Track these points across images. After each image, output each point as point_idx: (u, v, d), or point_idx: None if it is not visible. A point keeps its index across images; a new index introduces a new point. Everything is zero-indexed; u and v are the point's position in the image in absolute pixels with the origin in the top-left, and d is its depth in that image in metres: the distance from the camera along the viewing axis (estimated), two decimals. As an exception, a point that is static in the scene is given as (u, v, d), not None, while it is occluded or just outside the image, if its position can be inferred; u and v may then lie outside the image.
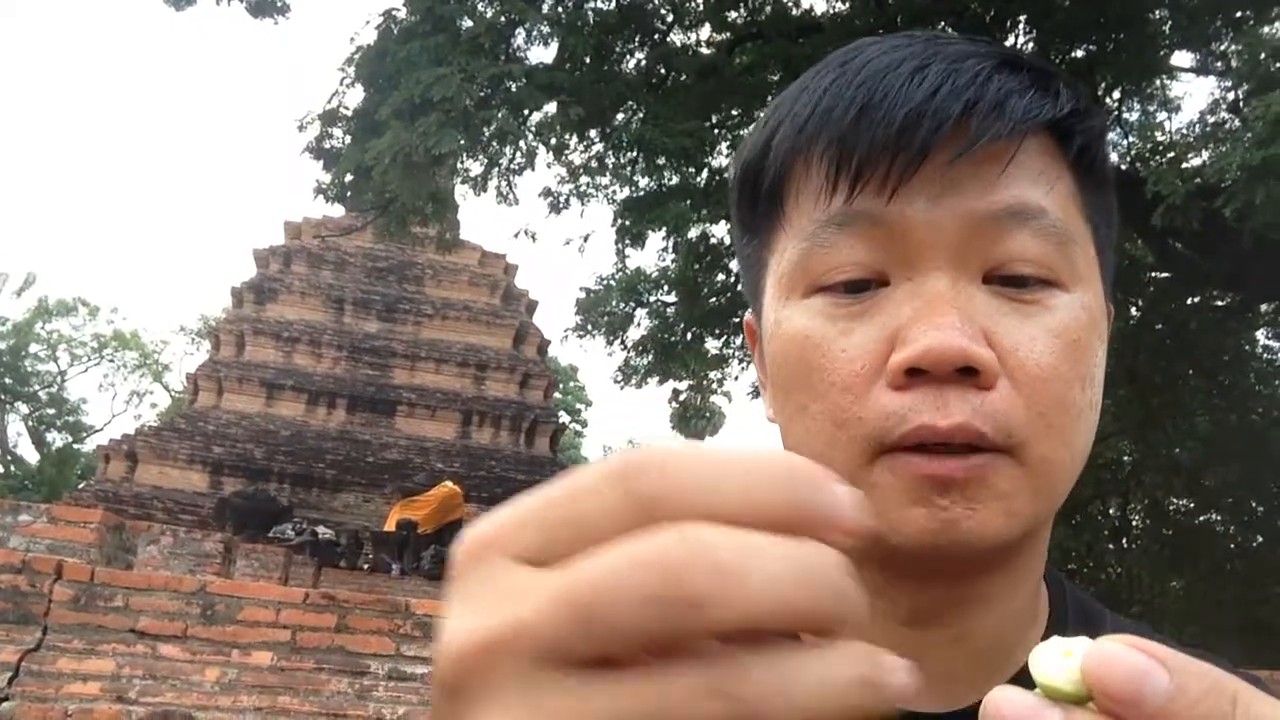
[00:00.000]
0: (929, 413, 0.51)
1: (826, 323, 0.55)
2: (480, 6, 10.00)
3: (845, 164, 0.54)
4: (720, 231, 12.84)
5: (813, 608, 0.25)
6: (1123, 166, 11.79)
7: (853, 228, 0.54)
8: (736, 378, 15.35)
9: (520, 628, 0.24)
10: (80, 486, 22.03)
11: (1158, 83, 12.06)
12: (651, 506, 0.25)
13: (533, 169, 10.92)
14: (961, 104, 0.52)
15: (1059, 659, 0.30)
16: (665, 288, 13.68)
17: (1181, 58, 11.25)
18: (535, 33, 10.36)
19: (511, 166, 10.72)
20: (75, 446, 36.45)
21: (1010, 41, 10.88)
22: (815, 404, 0.55)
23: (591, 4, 10.77)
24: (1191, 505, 15.38)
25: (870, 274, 0.54)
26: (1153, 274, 12.88)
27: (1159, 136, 12.54)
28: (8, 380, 34.87)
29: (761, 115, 0.62)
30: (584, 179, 12.09)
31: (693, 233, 12.52)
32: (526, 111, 9.95)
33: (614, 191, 12.36)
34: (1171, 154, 10.26)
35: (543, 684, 0.24)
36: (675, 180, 11.55)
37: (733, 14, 11.51)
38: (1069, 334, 0.54)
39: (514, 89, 9.49)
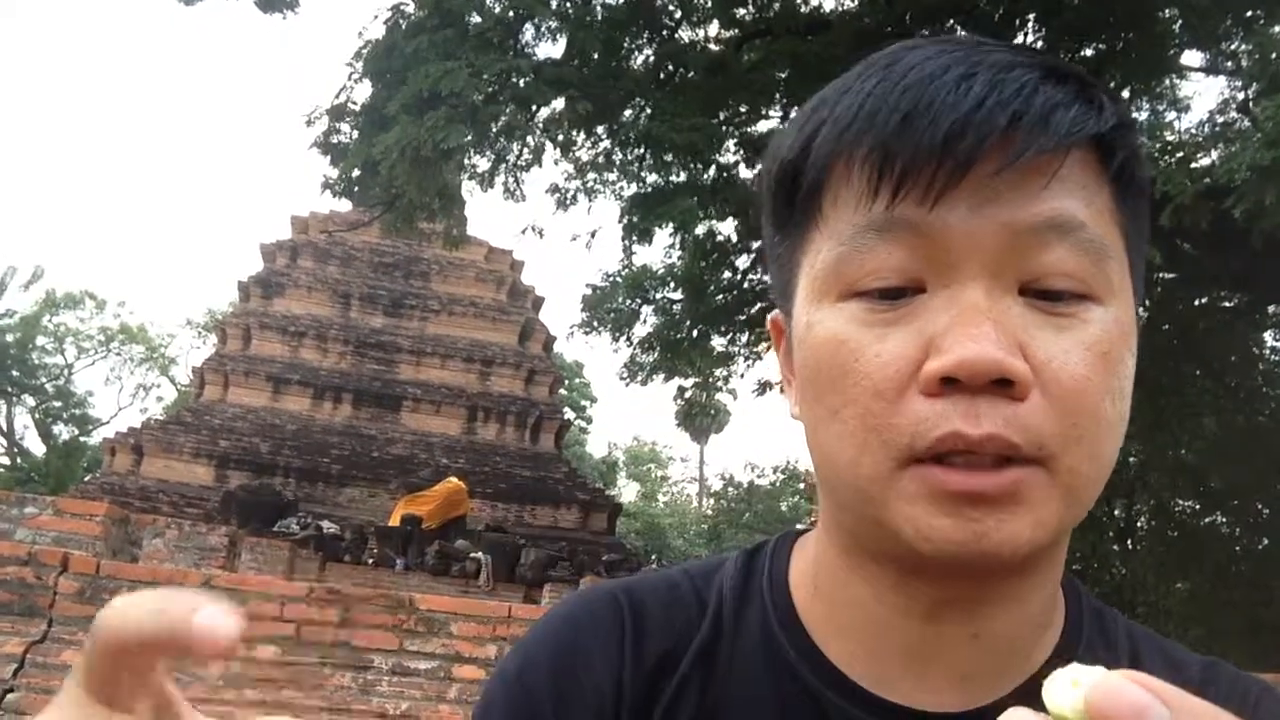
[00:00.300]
0: (961, 421, 0.52)
1: (862, 328, 0.55)
2: (488, 1, 9.99)
3: (889, 170, 0.54)
4: (727, 228, 12.83)
5: None
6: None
7: (892, 234, 0.54)
8: (742, 375, 15.36)
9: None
10: (86, 479, 22.10)
11: (1167, 82, 12.01)
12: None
13: (540, 165, 10.91)
14: (1008, 115, 0.52)
15: (1068, 689, 0.32)
16: (672, 284, 13.66)
17: (1191, 57, 11.22)
18: (544, 28, 10.35)
19: (519, 162, 10.71)
20: (81, 439, 36.55)
21: (1019, 40, 10.85)
22: (847, 408, 0.55)
23: None
24: (1197, 507, 15.34)
25: (907, 281, 0.55)
26: (1160, 274, 12.83)
27: (1168, 136, 12.47)
28: (15, 373, 34.96)
29: (797, 113, 0.62)
30: (591, 175, 12.07)
31: (700, 229, 12.50)
32: (534, 107, 9.95)
33: (621, 188, 12.34)
34: (1180, 154, 10.20)
35: None
36: (682, 177, 11.53)
37: (741, 10, 11.49)
38: (1101, 347, 0.54)
39: (522, 84, 9.49)
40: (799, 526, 0.74)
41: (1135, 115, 12.09)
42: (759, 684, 0.63)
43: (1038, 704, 0.59)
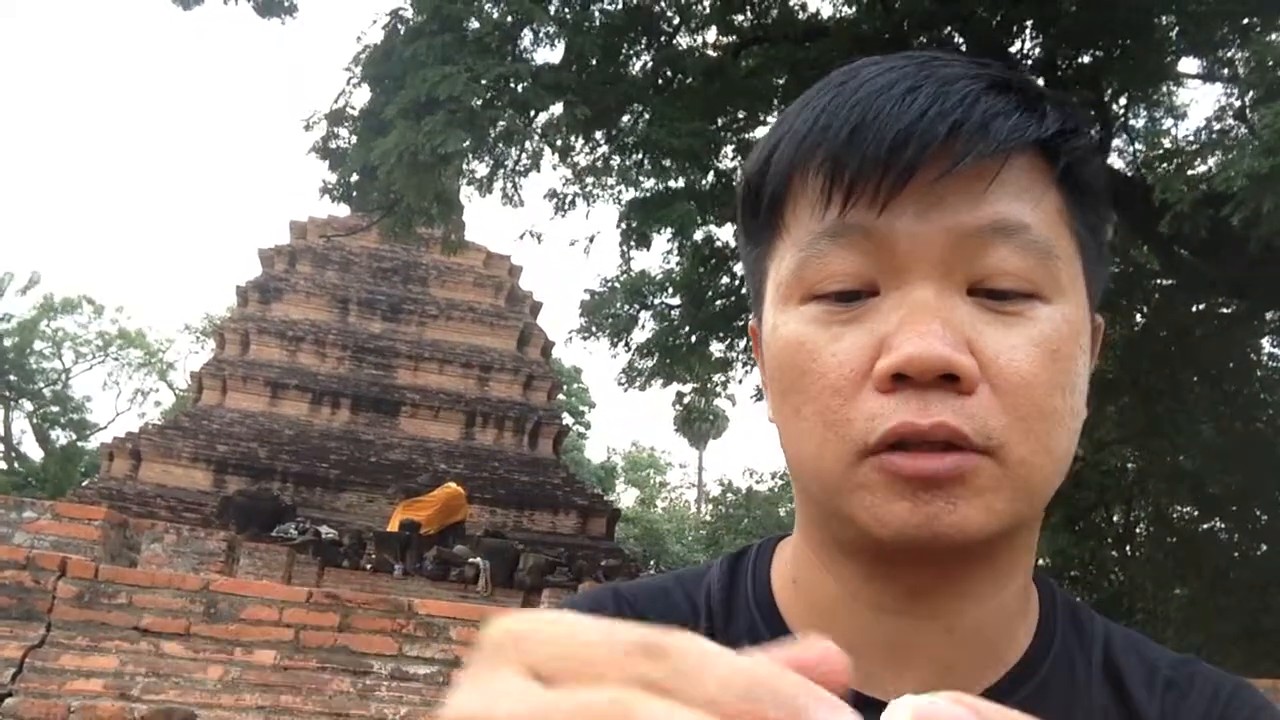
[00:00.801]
0: (911, 413, 0.54)
1: (819, 329, 0.58)
2: (487, 6, 10.00)
3: (839, 179, 0.57)
4: (725, 234, 12.84)
5: None
6: (1129, 173, 11.77)
7: (845, 239, 0.57)
8: (740, 381, 15.34)
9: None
10: (84, 484, 22.07)
11: (1164, 89, 12.04)
12: (651, 685, 0.27)
13: (538, 170, 10.92)
14: (948, 125, 0.55)
15: (905, 714, 0.31)
16: (670, 290, 13.67)
17: (1188, 64, 11.24)
18: (542, 33, 10.36)
19: (517, 167, 10.72)
20: (79, 444, 36.50)
21: (1016, 47, 10.87)
22: (807, 406, 0.58)
23: (598, 5, 10.78)
24: (1195, 513, 15.34)
25: (861, 284, 0.57)
26: (1158, 281, 12.86)
27: (1165, 143, 12.51)
28: (12, 377, 34.93)
29: (769, 126, 0.66)
30: (589, 180, 12.08)
31: (698, 235, 12.53)
32: (533, 112, 9.96)
33: (619, 193, 12.36)
34: (1178, 161, 10.24)
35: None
36: (681, 182, 11.55)
37: (739, 17, 11.51)
38: (1049, 344, 0.57)
39: (520, 89, 9.50)
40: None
41: (1132, 121, 12.10)
42: None
43: (1014, 701, 0.60)
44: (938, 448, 0.54)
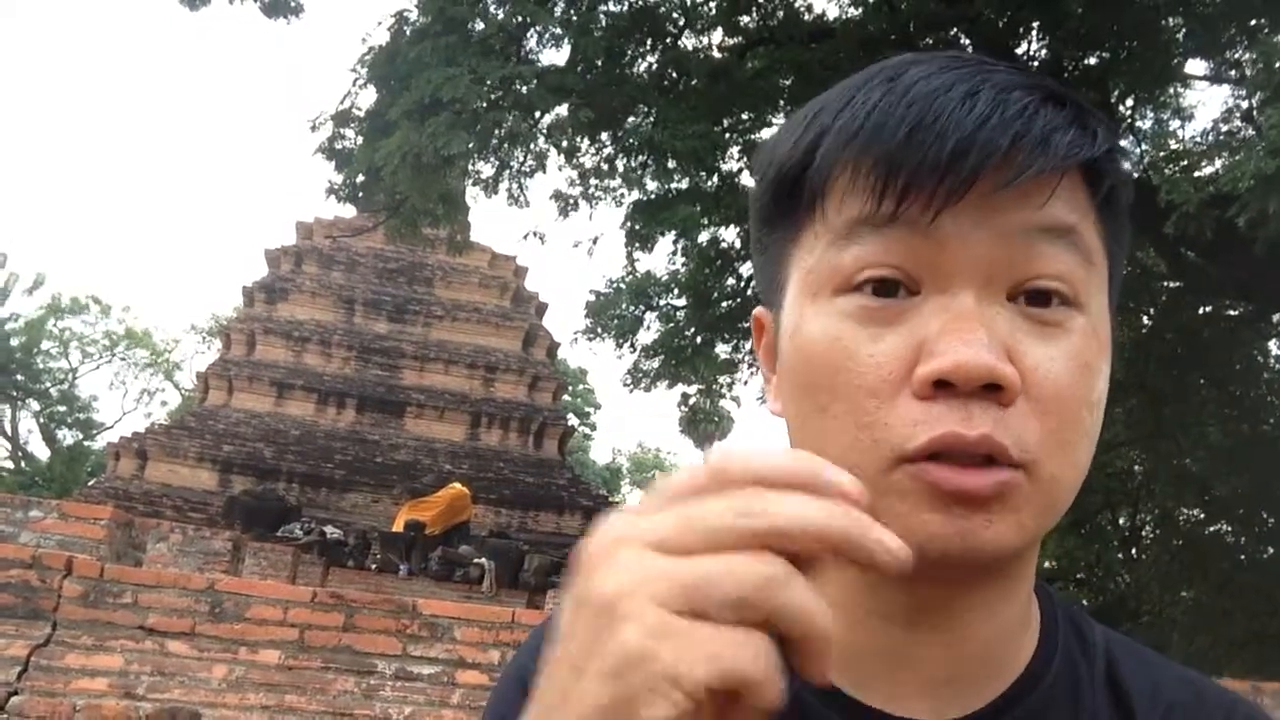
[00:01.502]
0: (956, 423, 0.53)
1: (856, 326, 0.56)
2: (492, 8, 10.01)
3: (893, 180, 0.55)
4: (730, 235, 12.83)
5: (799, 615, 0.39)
6: (1135, 174, 11.74)
7: (890, 232, 0.56)
8: (746, 382, 15.33)
9: (646, 585, 0.37)
10: (90, 484, 22.12)
11: (1171, 91, 12.02)
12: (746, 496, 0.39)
13: (543, 171, 10.94)
14: (1010, 136, 0.54)
15: None
16: (675, 291, 13.67)
17: (1195, 66, 11.22)
18: (547, 35, 10.37)
19: (522, 168, 10.74)
20: (86, 444, 36.60)
21: (1023, 49, 10.85)
22: (838, 404, 0.57)
23: (603, 7, 10.78)
24: (1202, 516, 15.31)
25: (902, 276, 0.56)
26: (1164, 283, 12.84)
27: (1172, 145, 12.50)
28: (19, 377, 35.02)
29: (793, 116, 0.63)
30: (594, 181, 12.10)
31: (703, 236, 12.53)
32: (537, 113, 9.97)
33: (624, 194, 12.37)
34: (1184, 162, 10.23)
35: (642, 558, 0.38)
36: (685, 184, 11.55)
37: (744, 18, 11.51)
38: (1081, 357, 0.56)
39: (525, 91, 9.51)
40: None
41: (1139, 123, 12.08)
42: None
43: (1017, 715, 0.60)
44: (977, 462, 0.53)
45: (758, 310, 0.68)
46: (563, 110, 10.09)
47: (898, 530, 0.54)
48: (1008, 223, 0.55)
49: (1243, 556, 14.23)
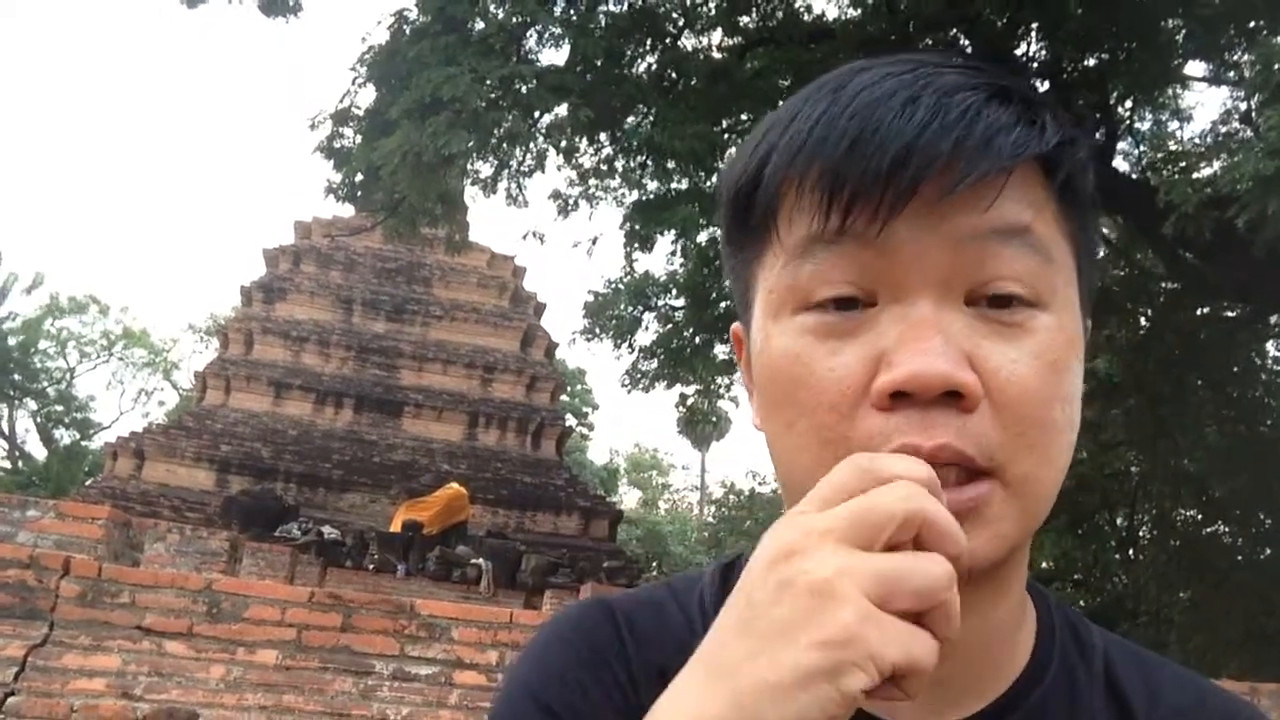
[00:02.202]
0: (914, 434, 0.53)
1: (815, 341, 0.57)
2: (492, 8, 10.00)
3: (838, 194, 0.55)
4: (730, 236, 12.80)
5: (948, 536, 0.47)
6: (1134, 176, 11.75)
7: (842, 248, 0.56)
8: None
9: (854, 575, 0.44)
10: (88, 483, 22.10)
11: (1170, 92, 12.02)
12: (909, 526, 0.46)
13: (543, 171, 10.92)
14: (951, 141, 0.54)
15: None
16: (674, 292, 13.67)
17: (1194, 67, 11.21)
18: (547, 34, 10.36)
19: (521, 168, 10.72)
20: (83, 443, 36.54)
21: (1022, 50, 10.85)
22: (802, 420, 0.57)
23: (603, 7, 10.77)
24: (1199, 516, 15.31)
25: (858, 291, 0.56)
26: (1163, 284, 12.84)
27: (1171, 146, 12.50)
28: (17, 376, 34.97)
29: (749, 136, 0.63)
30: (593, 181, 12.09)
31: (702, 237, 12.52)
32: (537, 113, 9.96)
33: (623, 194, 12.37)
34: (1183, 163, 10.23)
35: (839, 552, 0.45)
36: (684, 184, 11.54)
37: (744, 19, 11.51)
38: (1048, 355, 0.56)
39: (525, 90, 9.50)
40: None
41: (1138, 124, 12.08)
42: None
43: (1016, 716, 0.60)
44: (950, 476, 0.53)
45: (735, 326, 0.69)
46: (562, 110, 10.08)
47: None
48: (958, 228, 0.55)
49: (1240, 557, 14.24)
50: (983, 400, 0.54)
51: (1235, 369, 13.15)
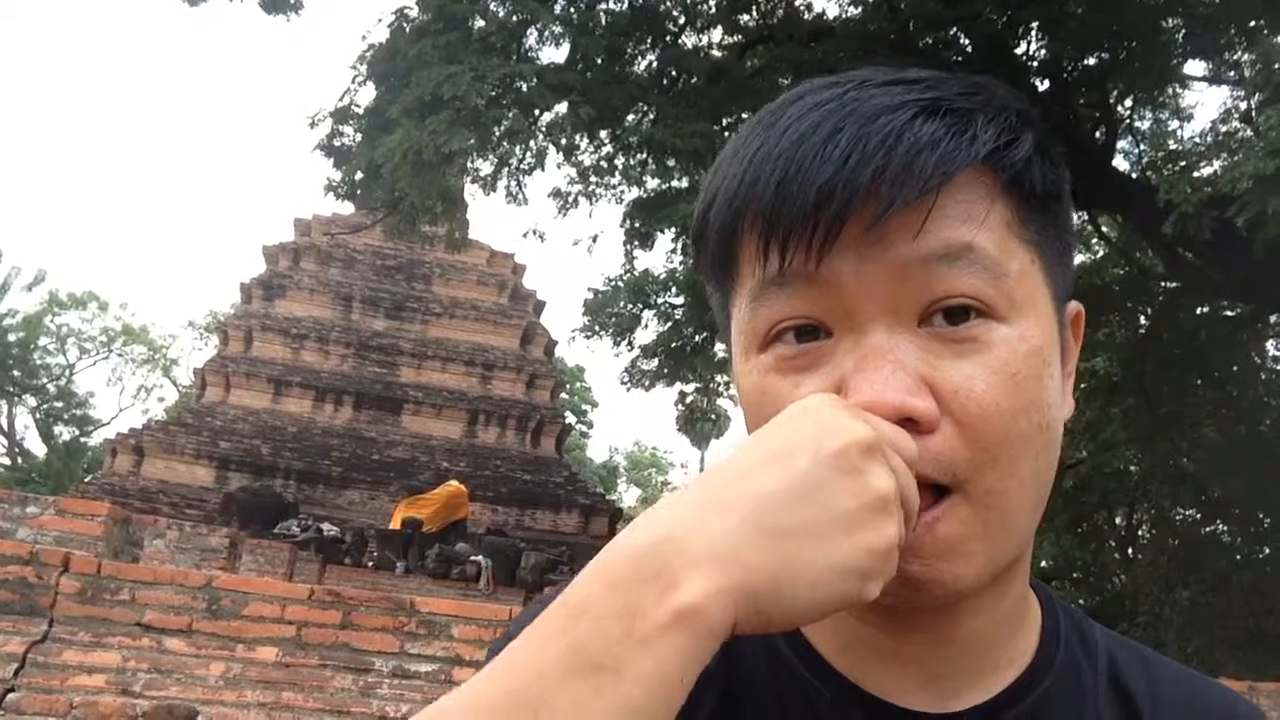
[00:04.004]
0: None
1: (779, 377, 0.58)
2: (492, 6, 10.01)
3: (774, 236, 0.56)
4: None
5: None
6: (1134, 175, 11.75)
7: (790, 287, 0.57)
8: (743, 381, 15.30)
9: (896, 500, 0.50)
10: (87, 480, 22.11)
11: (1170, 91, 12.02)
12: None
13: (542, 169, 10.93)
14: (870, 172, 0.54)
15: None
16: (674, 290, 13.67)
17: (1194, 67, 11.22)
18: (547, 33, 10.36)
19: (521, 166, 10.73)
20: (83, 440, 36.58)
21: (1022, 49, 10.85)
22: None
23: (604, 5, 10.77)
24: (1198, 516, 15.33)
25: (815, 322, 0.57)
26: (1162, 283, 12.84)
27: (1171, 145, 12.50)
28: (16, 373, 34.99)
29: (709, 170, 0.64)
30: (593, 179, 12.09)
31: (702, 235, 12.49)
32: (537, 111, 9.96)
33: (623, 192, 12.36)
34: (1183, 163, 10.21)
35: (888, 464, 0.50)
36: (685, 182, 11.54)
37: (745, 17, 11.51)
38: (1008, 369, 0.55)
39: (525, 89, 9.50)
40: None
41: (1138, 123, 12.07)
42: (761, 679, 0.64)
43: (1018, 711, 0.60)
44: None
45: (727, 351, 0.70)
46: (562, 108, 10.08)
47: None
48: (898, 255, 0.55)
49: (1239, 556, 14.25)
50: (943, 420, 0.54)
51: (1235, 368, 13.16)
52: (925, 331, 0.55)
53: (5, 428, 35.75)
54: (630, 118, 10.81)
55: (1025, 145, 0.58)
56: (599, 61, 10.15)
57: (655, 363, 13.71)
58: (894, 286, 0.55)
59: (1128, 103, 11.74)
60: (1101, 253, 14.03)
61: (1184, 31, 9.94)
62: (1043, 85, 10.60)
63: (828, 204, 0.54)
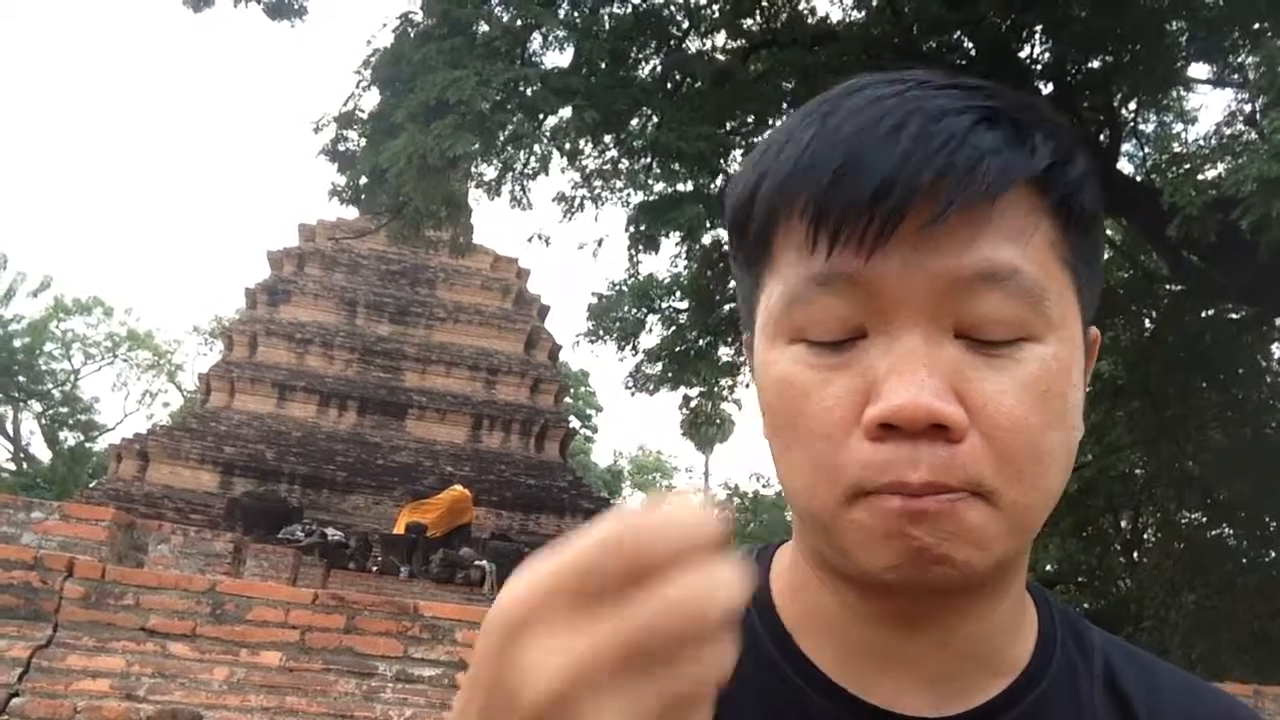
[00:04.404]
0: (902, 468, 0.54)
1: (809, 371, 0.57)
2: (497, 10, 10.02)
3: (825, 224, 0.55)
4: (733, 238, 12.80)
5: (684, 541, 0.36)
6: (1138, 178, 11.74)
7: (833, 286, 0.56)
8: (747, 385, 15.30)
9: (542, 594, 0.36)
10: (92, 485, 22.13)
11: (1174, 94, 12.02)
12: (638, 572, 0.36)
13: (547, 173, 10.95)
14: (934, 170, 0.53)
15: None
16: (678, 294, 13.67)
17: (1198, 69, 11.21)
18: (551, 37, 10.38)
19: (526, 170, 10.74)
20: (87, 445, 36.62)
21: (1026, 52, 10.85)
22: (796, 448, 0.58)
23: (608, 9, 10.79)
24: (1204, 519, 15.29)
25: (849, 331, 0.57)
26: (1167, 286, 12.82)
27: (1175, 148, 12.49)
28: (22, 378, 35.06)
29: (754, 150, 0.63)
30: (598, 184, 12.10)
31: (706, 239, 12.52)
32: (541, 116, 9.97)
33: (627, 196, 12.37)
34: (1187, 165, 10.20)
35: (569, 625, 0.35)
36: (689, 186, 11.55)
37: (749, 21, 11.52)
38: (1039, 385, 0.56)
39: (529, 93, 9.51)
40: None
41: (1142, 126, 12.06)
42: (749, 681, 0.64)
43: (1016, 713, 0.60)
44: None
45: (746, 335, 0.69)
46: (567, 112, 10.10)
47: (861, 559, 0.56)
48: (943, 264, 0.55)
49: (1245, 560, 14.21)
50: (971, 431, 0.54)
51: (1240, 371, 13.13)
52: (960, 343, 0.56)
53: (10, 433, 35.85)
54: (634, 122, 10.82)
55: (1079, 166, 0.58)
56: (603, 66, 10.16)
57: (659, 367, 13.71)
58: (936, 295, 0.55)
59: (1132, 106, 11.73)
60: (1106, 256, 14.02)
61: (1188, 34, 9.94)
62: (1046, 88, 10.59)
63: (886, 197, 0.53)
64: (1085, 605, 16.28)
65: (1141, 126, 12.39)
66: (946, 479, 0.53)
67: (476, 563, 13.84)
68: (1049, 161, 0.56)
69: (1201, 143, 12.15)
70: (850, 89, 0.59)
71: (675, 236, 11.66)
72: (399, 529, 15.33)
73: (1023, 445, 0.55)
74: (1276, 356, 13.98)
